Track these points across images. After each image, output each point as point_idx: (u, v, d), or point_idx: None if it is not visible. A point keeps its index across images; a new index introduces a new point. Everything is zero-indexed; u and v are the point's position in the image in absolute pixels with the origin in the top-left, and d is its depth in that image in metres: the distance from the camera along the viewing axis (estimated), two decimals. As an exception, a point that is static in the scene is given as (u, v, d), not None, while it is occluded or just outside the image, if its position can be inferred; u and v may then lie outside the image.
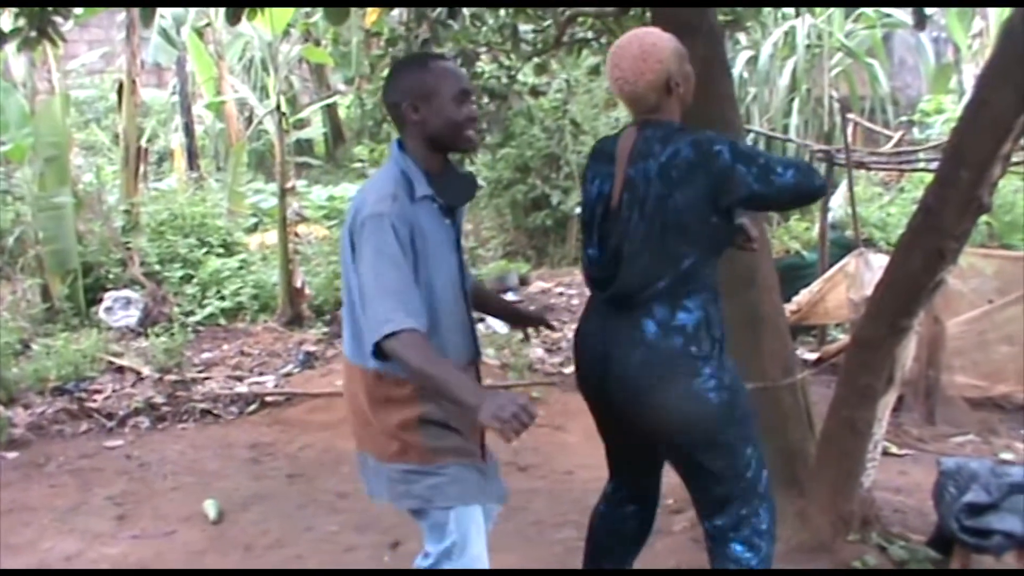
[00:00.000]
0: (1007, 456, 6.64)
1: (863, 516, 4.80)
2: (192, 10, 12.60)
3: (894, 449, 6.83)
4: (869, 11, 15.17)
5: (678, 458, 3.49)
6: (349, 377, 3.29)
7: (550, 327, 3.91)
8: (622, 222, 3.31)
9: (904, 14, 14.13)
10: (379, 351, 2.95)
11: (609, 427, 3.68)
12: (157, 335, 8.94)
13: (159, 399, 7.78)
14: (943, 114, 13.58)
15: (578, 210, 13.06)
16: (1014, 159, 9.54)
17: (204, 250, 11.09)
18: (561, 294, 11.10)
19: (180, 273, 10.62)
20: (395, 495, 3.21)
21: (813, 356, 9.26)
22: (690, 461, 3.43)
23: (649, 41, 3.32)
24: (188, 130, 15.21)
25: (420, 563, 3.27)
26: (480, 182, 13.80)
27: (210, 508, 5.73)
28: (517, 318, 4.01)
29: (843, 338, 8.53)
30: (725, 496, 3.42)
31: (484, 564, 3.24)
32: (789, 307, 8.65)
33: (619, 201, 3.34)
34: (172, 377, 8.19)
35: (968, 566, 4.52)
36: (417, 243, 3.00)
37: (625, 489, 3.84)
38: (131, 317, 9.82)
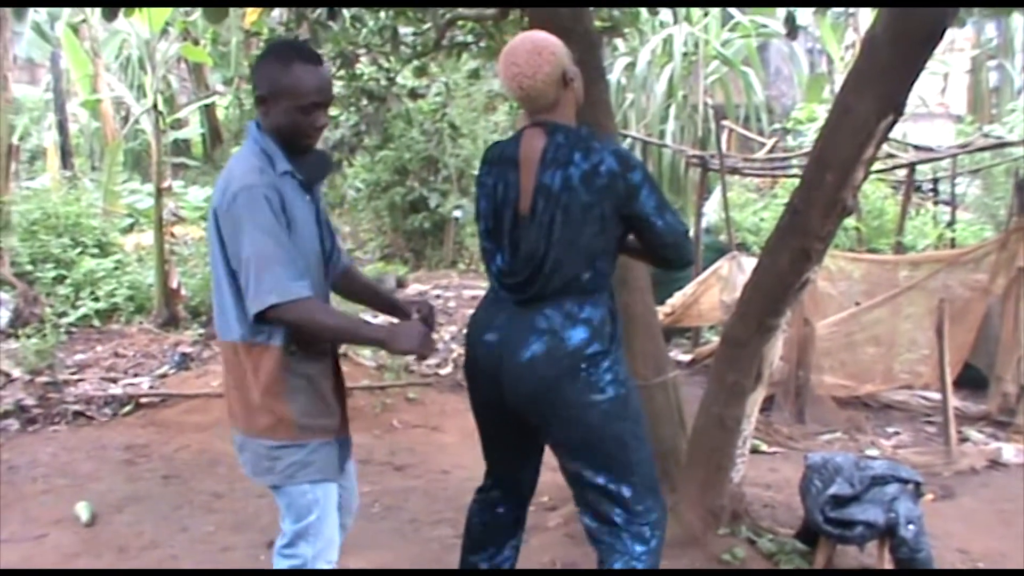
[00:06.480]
0: (872, 452, 6.85)
1: (733, 510, 4.92)
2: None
3: (764, 447, 7.01)
4: (745, 20, 15.51)
5: (569, 451, 3.47)
6: (223, 355, 3.29)
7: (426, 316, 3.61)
8: (538, 228, 3.33)
9: (779, 24, 14.50)
10: (264, 318, 2.99)
11: (495, 421, 3.67)
12: (28, 336, 8.72)
13: (30, 401, 7.59)
14: (816, 122, 13.85)
15: (456, 213, 13.36)
16: (881, 166, 9.93)
17: (78, 250, 10.93)
18: (438, 296, 11.11)
19: (53, 273, 10.45)
20: (258, 471, 3.23)
21: (687, 357, 9.47)
22: (581, 454, 3.43)
23: (540, 37, 3.39)
24: (62, 128, 14.97)
25: (278, 543, 3.30)
26: (358, 184, 13.81)
27: (82, 510, 5.62)
28: (388, 308, 3.81)
29: (716, 340, 8.72)
30: (615, 490, 3.43)
31: (335, 545, 3.31)
32: (663, 309, 8.83)
33: (531, 207, 3.35)
34: (44, 379, 8.00)
35: (832, 557, 4.66)
36: (288, 212, 3.04)
37: (500, 487, 3.84)
38: (0, 318, 9.60)
